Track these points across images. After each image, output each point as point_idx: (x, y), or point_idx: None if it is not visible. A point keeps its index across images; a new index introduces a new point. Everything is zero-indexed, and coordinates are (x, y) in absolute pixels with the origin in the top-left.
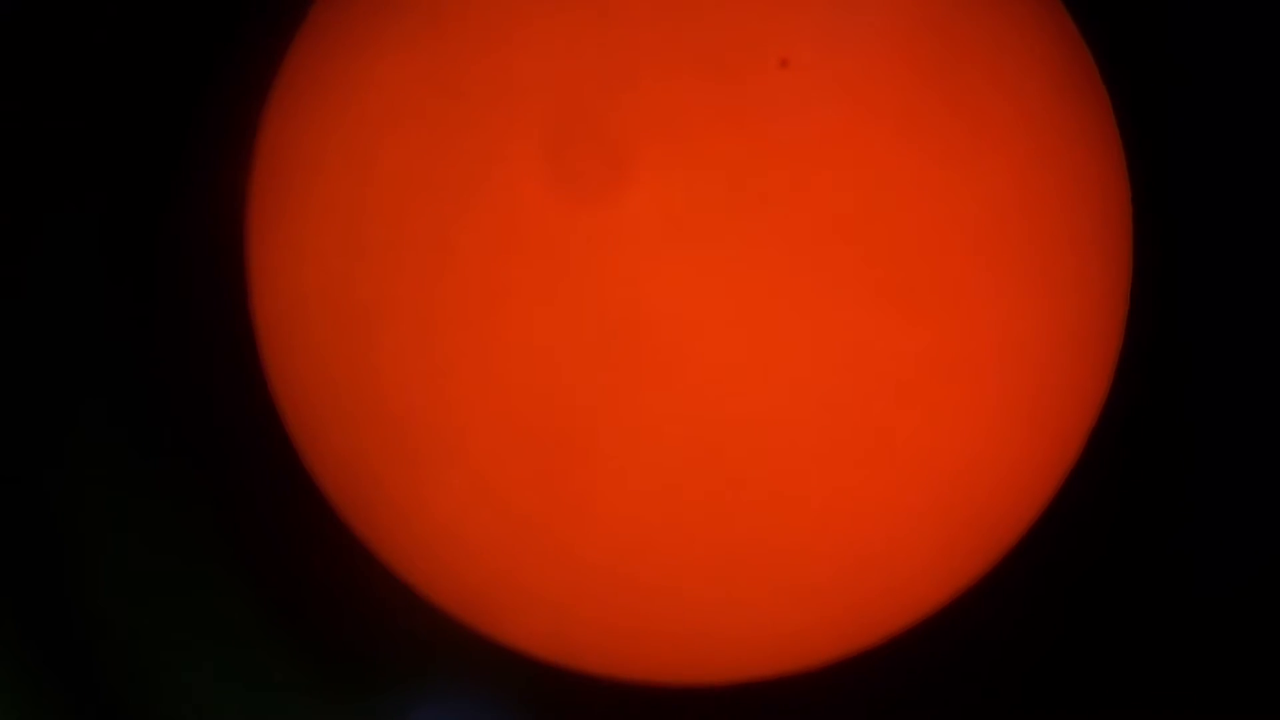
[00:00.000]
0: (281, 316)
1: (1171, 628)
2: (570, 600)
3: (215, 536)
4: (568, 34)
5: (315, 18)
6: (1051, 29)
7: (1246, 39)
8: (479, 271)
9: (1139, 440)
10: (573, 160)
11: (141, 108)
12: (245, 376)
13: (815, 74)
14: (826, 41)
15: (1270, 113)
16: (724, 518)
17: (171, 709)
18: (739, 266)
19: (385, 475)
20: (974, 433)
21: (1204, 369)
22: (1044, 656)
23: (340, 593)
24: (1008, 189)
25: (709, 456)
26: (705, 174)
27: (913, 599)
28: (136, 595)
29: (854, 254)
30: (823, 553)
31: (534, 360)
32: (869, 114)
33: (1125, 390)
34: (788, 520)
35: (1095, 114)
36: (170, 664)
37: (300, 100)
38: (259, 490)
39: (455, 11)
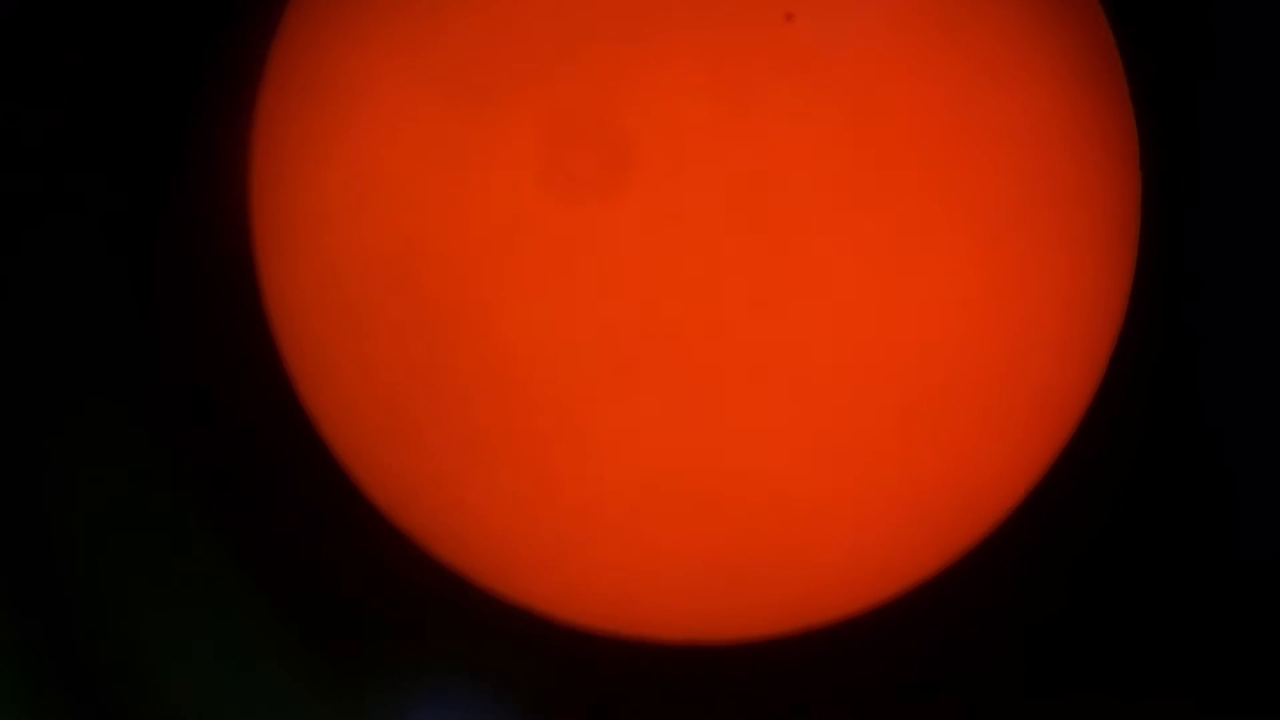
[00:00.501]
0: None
1: (1177, 592)
2: (580, 562)
3: (217, 534)
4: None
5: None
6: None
7: (1259, 28)
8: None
9: (1142, 408)
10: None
11: (136, 106)
12: (258, 365)
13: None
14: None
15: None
16: (732, 480)
17: (172, 708)
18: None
19: (393, 444)
20: (972, 408)
21: (1210, 332)
22: (1045, 622)
23: (354, 560)
24: (1016, 139)
25: (713, 430)
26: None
27: (918, 558)
28: (136, 594)
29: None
30: (829, 514)
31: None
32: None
33: (1128, 357)
34: (792, 484)
35: (1107, 79)
36: (170, 663)
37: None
38: (276, 469)
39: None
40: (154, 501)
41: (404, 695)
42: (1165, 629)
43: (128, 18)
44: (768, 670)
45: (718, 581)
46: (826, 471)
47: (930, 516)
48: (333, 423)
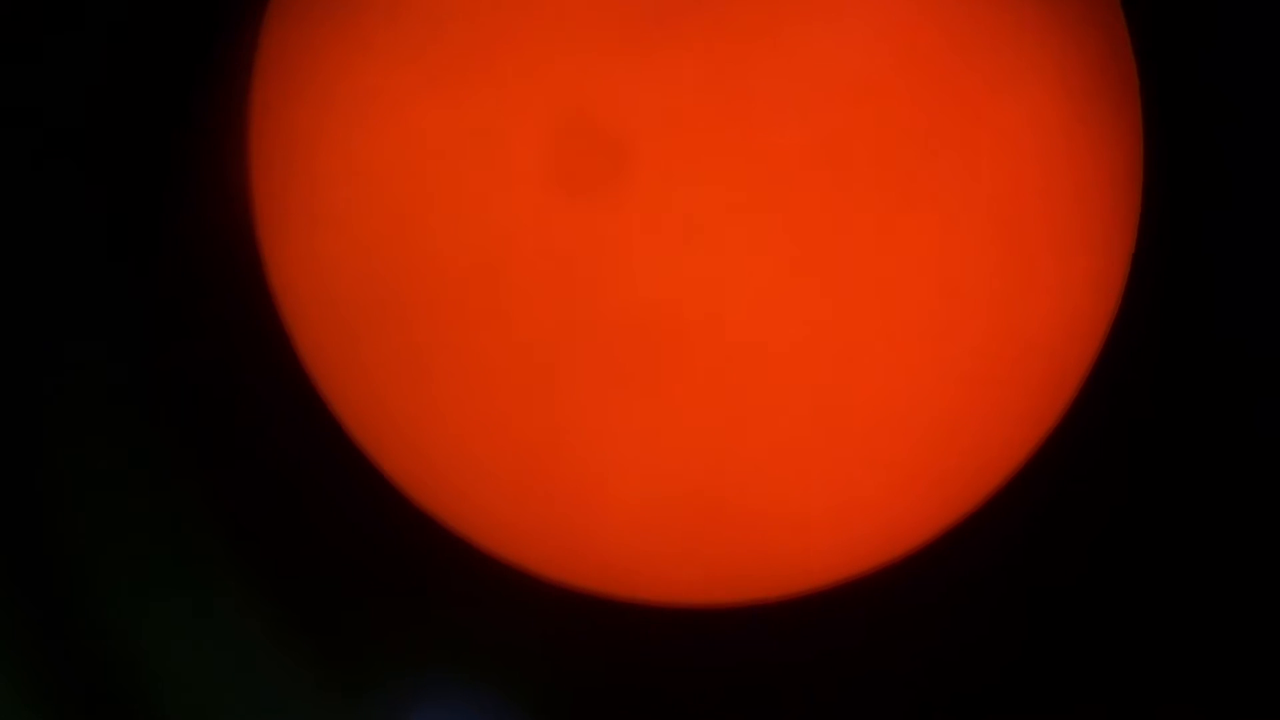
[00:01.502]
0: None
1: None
2: (584, 527)
3: (218, 531)
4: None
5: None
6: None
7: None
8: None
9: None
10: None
11: (135, 105)
12: (268, 356)
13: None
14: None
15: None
16: (730, 459)
17: (170, 705)
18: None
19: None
20: (964, 390)
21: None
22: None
23: (363, 536)
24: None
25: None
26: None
27: (915, 526)
28: (136, 589)
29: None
30: (824, 484)
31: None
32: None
33: (1122, 350)
34: (789, 461)
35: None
36: (169, 658)
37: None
38: (289, 455)
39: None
40: (157, 498)
41: (409, 683)
42: (1160, 613)
43: (125, 16)
44: (766, 634)
45: (717, 547)
46: (822, 445)
47: (925, 487)
48: (347, 405)
